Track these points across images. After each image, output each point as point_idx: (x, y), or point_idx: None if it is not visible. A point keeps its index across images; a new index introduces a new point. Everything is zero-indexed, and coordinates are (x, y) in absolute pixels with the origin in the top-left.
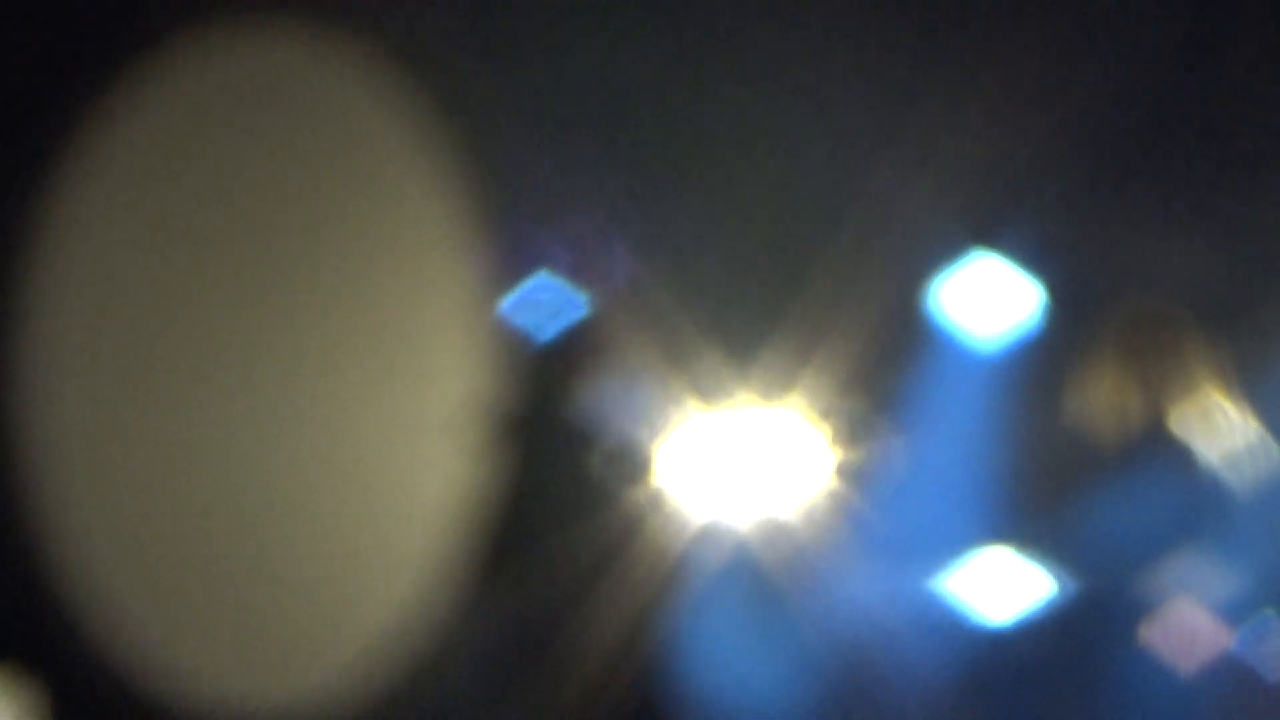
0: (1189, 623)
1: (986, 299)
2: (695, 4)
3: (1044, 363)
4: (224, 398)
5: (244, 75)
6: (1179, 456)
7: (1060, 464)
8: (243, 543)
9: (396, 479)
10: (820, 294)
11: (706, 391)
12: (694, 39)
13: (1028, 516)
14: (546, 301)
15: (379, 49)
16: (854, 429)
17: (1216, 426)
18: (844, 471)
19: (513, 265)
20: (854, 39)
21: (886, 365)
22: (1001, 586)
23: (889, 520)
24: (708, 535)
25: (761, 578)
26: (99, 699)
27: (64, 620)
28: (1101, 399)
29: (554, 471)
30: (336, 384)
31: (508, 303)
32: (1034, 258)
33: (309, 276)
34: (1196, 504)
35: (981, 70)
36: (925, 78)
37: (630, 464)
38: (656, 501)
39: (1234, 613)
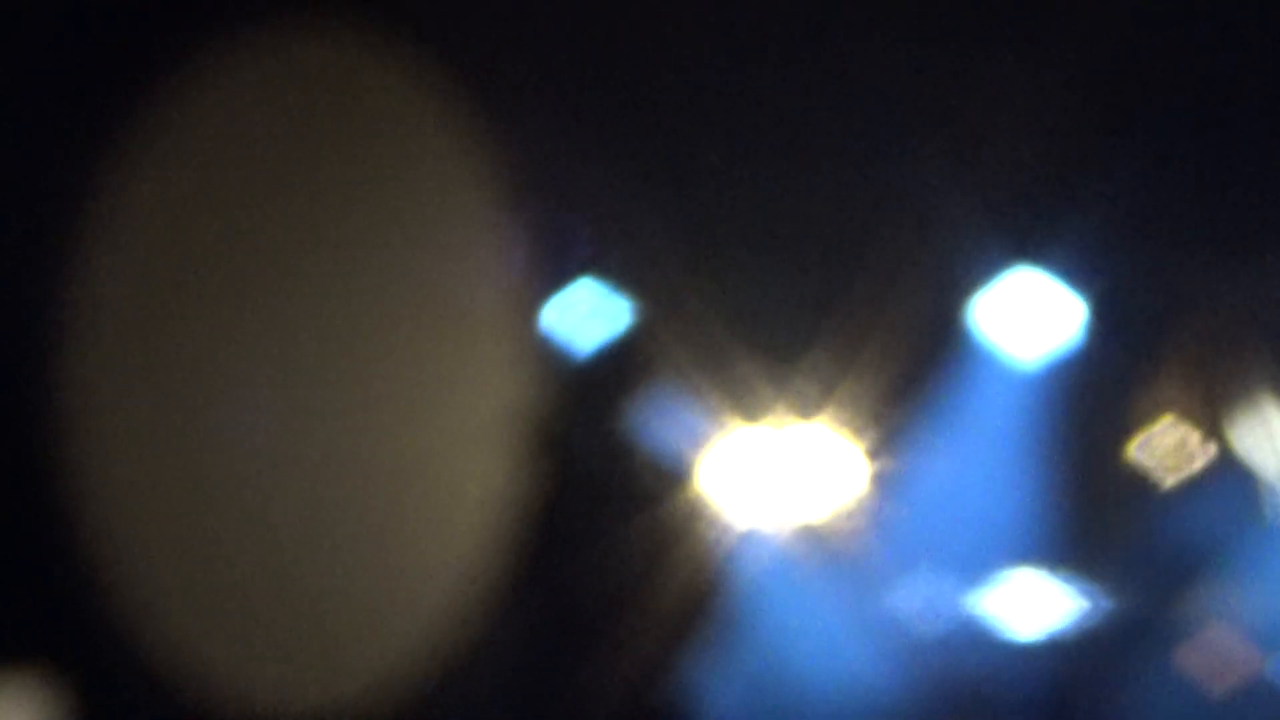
0: (1223, 646)
1: (1028, 313)
2: (740, 18)
3: (1086, 378)
4: (266, 401)
5: (289, 76)
6: (1221, 478)
7: (1100, 482)
8: (282, 544)
9: (438, 486)
10: (861, 308)
11: (747, 403)
12: (737, 49)
13: (1064, 534)
14: (590, 310)
15: (424, 52)
16: (887, 442)
17: (1263, 446)
18: (880, 484)
19: (557, 273)
20: (895, 49)
21: (925, 379)
22: (1035, 603)
23: (924, 533)
24: (747, 544)
25: (798, 586)
26: (129, 702)
27: (95, 624)
28: (1145, 416)
29: (596, 480)
30: (380, 390)
31: (551, 310)
32: (1077, 272)
33: (354, 285)
34: (1240, 525)
35: (1024, 82)
36: (968, 89)
37: (671, 472)
38: (697, 511)
39: (1269, 636)
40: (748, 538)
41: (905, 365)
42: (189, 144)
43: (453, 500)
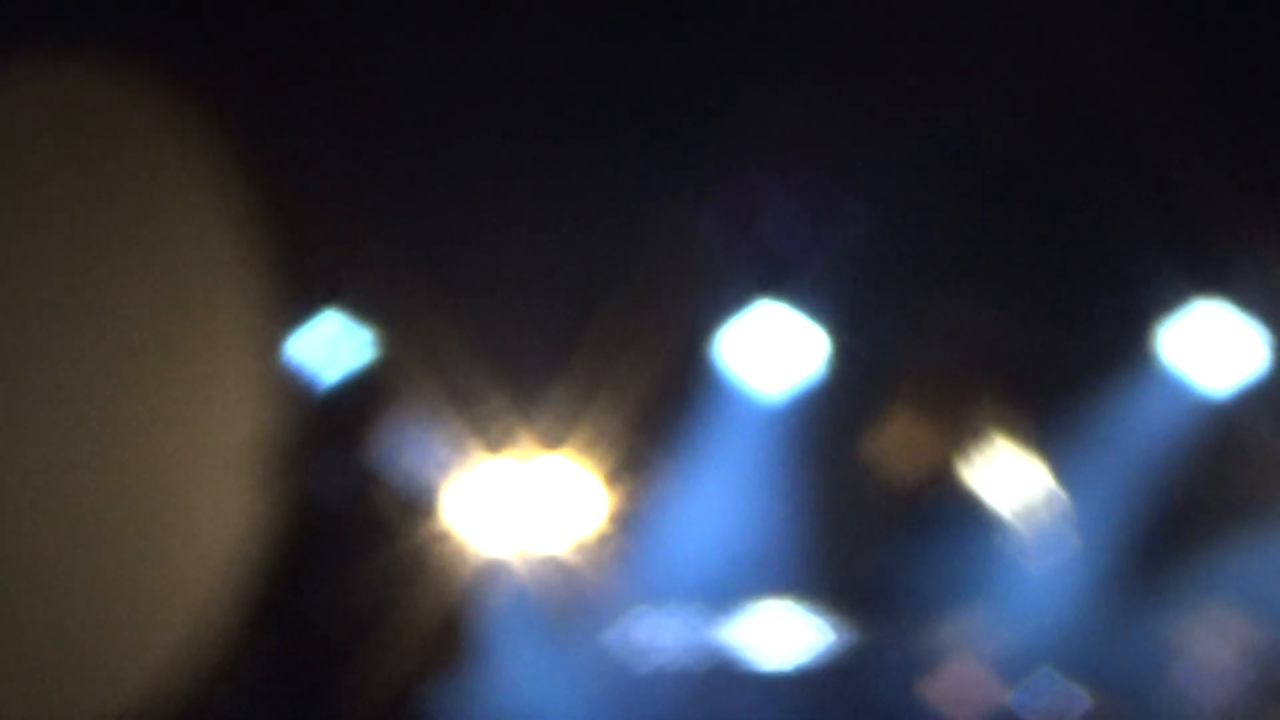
0: (967, 677)
1: (772, 346)
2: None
3: (828, 411)
4: (7, 428)
5: (53, 109)
6: (963, 510)
7: (842, 514)
8: (19, 570)
9: (180, 514)
10: (605, 341)
11: (491, 434)
12: (484, 99)
13: (808, 565)
14: (334, 341)
15: (173, 81)
16: (632, 474)
17: (1003, 480)
18: (623, 515)
19: (301, 303)
20: (643, 92)
21: (669, 412)
22: (778, 634)
23: (667, 564)
24: (489, 574)
25: (541, 617)
26: None
27: None
28: (887, 450)
29: (339, 510)
30: (122, 416)
31: (295, 341)
32: (820, 306)
33: (98, 310)
34: (980, 558)
35: (771, 125)
36: (711, 127)
37: (414, 502)
38: (440, 540)
39: (1012, 668)
40: (490, 568)
41: (649, 398)
42: None
43: (195, 529)
